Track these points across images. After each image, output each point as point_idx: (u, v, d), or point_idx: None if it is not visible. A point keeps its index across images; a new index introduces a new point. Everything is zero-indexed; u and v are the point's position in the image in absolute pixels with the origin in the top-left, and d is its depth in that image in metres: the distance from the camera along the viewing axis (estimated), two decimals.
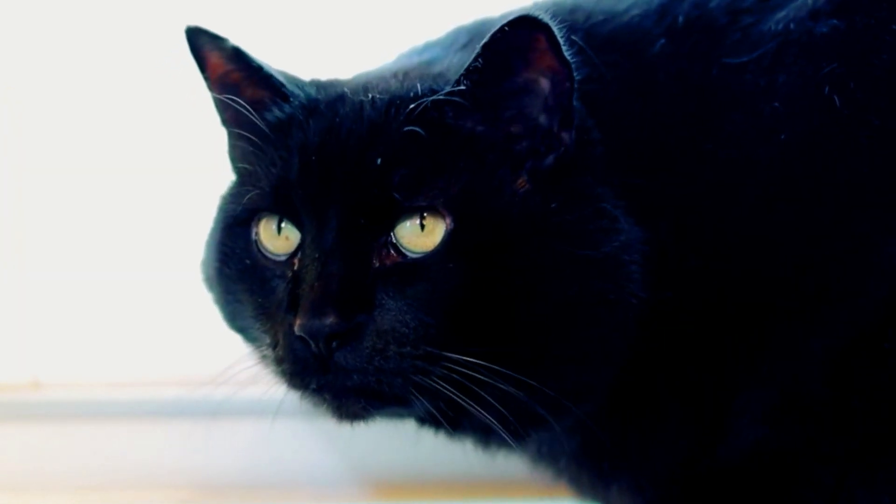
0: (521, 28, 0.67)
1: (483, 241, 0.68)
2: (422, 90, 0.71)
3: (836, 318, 0.68)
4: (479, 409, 0.68)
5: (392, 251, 0.69)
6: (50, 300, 1.09)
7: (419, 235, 0.69)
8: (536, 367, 0.69)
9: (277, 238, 0.73)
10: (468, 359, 0.67)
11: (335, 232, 0.69)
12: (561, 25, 0.68)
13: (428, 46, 0.82)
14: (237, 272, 0.75)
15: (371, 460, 1.04)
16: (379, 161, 0.69)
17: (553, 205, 0.69)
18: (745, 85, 0.70)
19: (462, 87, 0.69)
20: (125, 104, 1.08)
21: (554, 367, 0.70)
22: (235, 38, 0.76)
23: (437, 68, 0.76)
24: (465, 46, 0.79)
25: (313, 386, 0.70)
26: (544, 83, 0.69)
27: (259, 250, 0.74)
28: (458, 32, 0.81)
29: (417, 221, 0.69)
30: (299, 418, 0.93)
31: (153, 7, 1.07)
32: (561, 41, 0.67)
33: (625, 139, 0.73)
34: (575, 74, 0.69)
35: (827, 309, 0.69)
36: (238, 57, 0.75)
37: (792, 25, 0.70)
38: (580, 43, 0.71)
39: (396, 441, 0.88)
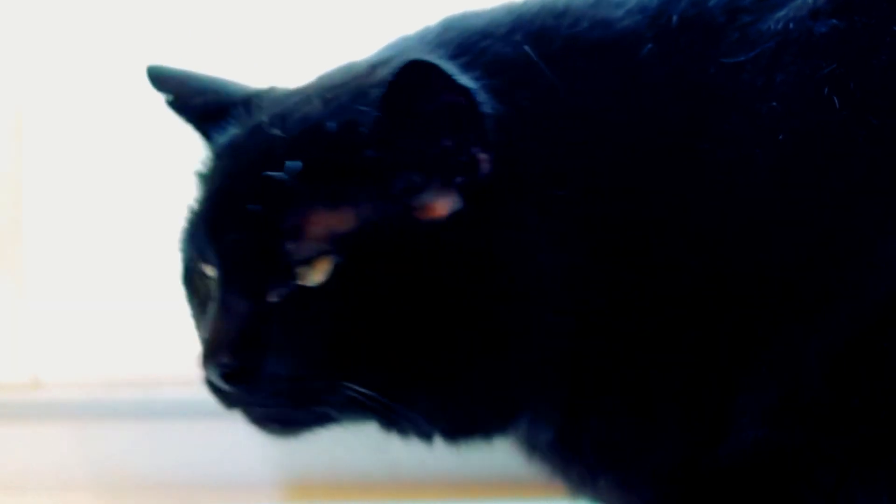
0: (410, 75, 0.67)
1: (377, 274, 0.69)
2: (326, 120, 0.71)
3: (836, 318, 0.68)
4: (399, 420, 0.72)
5: (285, 286, 0.70)
6: (50, 300, 1.09)
7: (309, 270, 0.69)
8: (444, 392, 0.71)
9: None
10: (362, 389, 0.69)
11: (230, 272, 0.71)
12: (534, 34, 0.71)
13: (403, 39, 0.81)
14: (189, 289, 0.78)
15: (370, 460, 1.04)
16: (266, 205, 0.70)
17: (460, 234, 0.70)
18: (743, 84, 0.70)
19: (367, 121, 0.69)
20: (129, 109, 1.09)
21: (461, 392, 0.72)
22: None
23: (378, 74, 0.75)
24: (437, 38, 0.78)
25: (233, 409, 0.73)
26: (448, 113, 0.69)
27: (200, 268, 0.75)
28: (428, 27, 0.81)
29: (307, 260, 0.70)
30: None
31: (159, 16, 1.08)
32: (454, 70, 0.68)
33: (606, 146, 0.72)
34: (483, 98, 0.69)
35: (826, 309, 0.68)
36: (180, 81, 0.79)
37: (791, 25, 0.69)
38: (533, 56, 0.72)
39: (395, 441, 0.88)
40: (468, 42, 0.75)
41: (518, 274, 0.70)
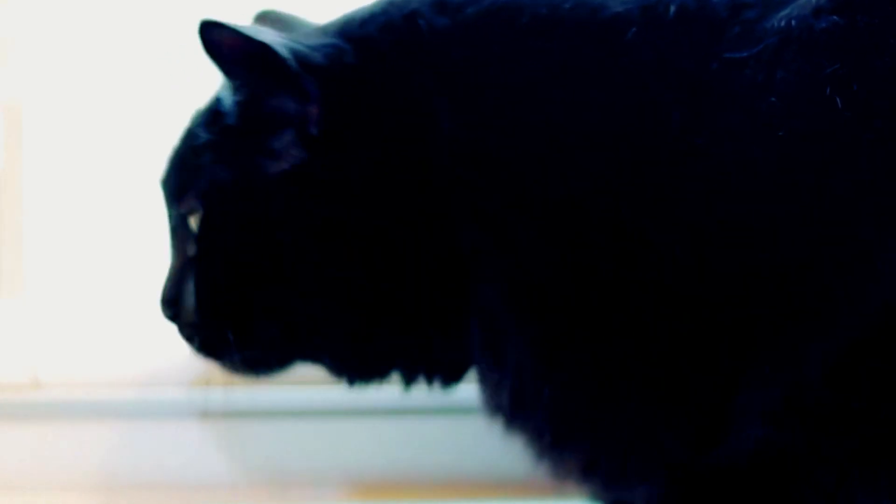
0: (202, 35, 0.71)
1: (226, 225, 0.75)
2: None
3: (838, 319, 0.68)
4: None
5: (190, 242, 0.77)
6: (50, 299, 1.09)
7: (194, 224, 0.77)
8: (317, 341, 0.76)
9: None
10: (232, 338, 0.75)
11: (169, 228, 0.81)
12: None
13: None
14: None
15: (368, 459, 1.04)
16: (174, 164, 0.80)
17: (296, 188, 0.73)
18: (744, 80, 0.69)
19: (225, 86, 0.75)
20: (130, 109, 1.09)
21: (335, 341, 0.77)
22: None
23: None
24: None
25: None
26: (260, 69, 0.72)
27: None
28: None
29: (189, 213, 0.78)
30: (297, 418, 0.94)
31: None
32: (247, 27, 0.73)
33: (536, 126, 0.71)
34: (313, 54, 0.72)
35: (828, 310, 0.68)
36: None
37: (794, 23, 0.69)
38: (425, 25, 0.73)
39: (393, 441, 0.88)
40: (406, 6, 0.76)
41: (350, 234, 0.72)
